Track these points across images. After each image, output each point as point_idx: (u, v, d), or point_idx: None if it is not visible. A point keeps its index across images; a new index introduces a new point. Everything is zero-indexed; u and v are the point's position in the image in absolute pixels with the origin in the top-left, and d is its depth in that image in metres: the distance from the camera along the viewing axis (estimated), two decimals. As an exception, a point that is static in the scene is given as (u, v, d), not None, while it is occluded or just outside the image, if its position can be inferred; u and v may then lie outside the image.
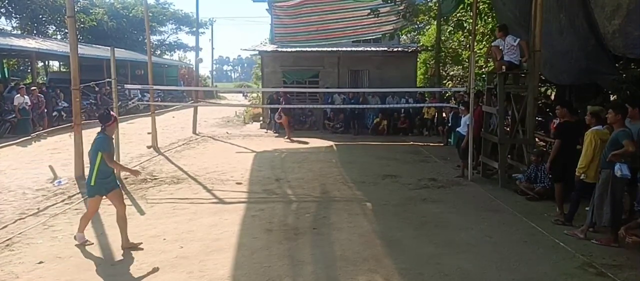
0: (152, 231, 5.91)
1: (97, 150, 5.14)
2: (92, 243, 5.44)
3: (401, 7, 13.37)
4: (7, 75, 22.58)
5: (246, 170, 9.97)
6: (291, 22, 14.10)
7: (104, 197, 5.33)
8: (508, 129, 9.46)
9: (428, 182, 8.83)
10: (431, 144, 14.15)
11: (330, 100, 17.45)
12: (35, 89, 15.28)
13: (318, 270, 4.78)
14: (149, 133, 12.95)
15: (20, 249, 5.28)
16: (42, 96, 15.46)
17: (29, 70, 27.32)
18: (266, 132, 17.20)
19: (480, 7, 13.88)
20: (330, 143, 14.28)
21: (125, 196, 7.62)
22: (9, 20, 30.46)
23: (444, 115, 15.30)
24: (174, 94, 30.15)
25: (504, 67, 8.60)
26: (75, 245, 5.34)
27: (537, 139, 9.29)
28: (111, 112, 5.45)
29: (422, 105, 16.04)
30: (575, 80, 9.44)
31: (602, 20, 7.42)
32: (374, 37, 17.15)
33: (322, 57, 18.01)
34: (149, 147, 12.55)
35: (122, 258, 5.06)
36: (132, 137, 14.50)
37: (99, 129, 5.23)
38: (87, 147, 5.77)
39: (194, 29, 31.12)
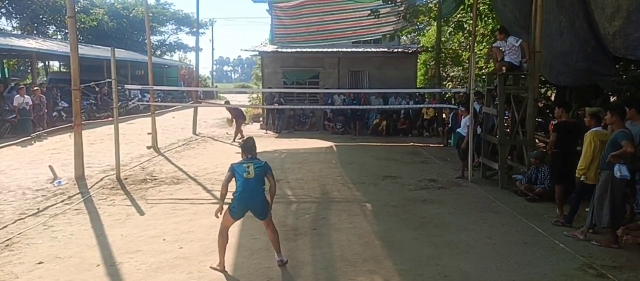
0: (152, 231, 5.91)
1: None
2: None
3: (401, 8, 13.37)
4: (7, 76, 22.59)
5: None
6: (291, 22, 14.10)
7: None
8: (508, 130, 9.46)
9: (428, 183, 8.82)
10: (431, 145, 14.14)
11: (330, 100, 17.47)
12: (37, 89, 15.24)
13: (318, 270, 4.78)
14: (149, 133, 12.94)
15: (20, 249, 5.28)
16: (44, 97, 15.45)
17: (29, 70, 27.33)
18: (266, 132, 17.21)
19: (481, 8, 13.90)
20: (330, 143, 14.28)
21: (124, 196, 7.67)
22: (9, 21, 30.47)
23: (443, 116, 15.30)
24: (174, 94, 30.16)
25: (504, 68, 8.60)
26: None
27: (537, 140, 9.28)
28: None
29: (421, 105, 16.03)
30: (575, 81, 9.44)
31: (602, 21, 7.42)
32: (374, 37, 17.16)
33: (322, 58, 18.04)
34: (149, 148, 12.54)
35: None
36: (132, 137, 14.49)
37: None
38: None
39: (194, 30, 31.16)
